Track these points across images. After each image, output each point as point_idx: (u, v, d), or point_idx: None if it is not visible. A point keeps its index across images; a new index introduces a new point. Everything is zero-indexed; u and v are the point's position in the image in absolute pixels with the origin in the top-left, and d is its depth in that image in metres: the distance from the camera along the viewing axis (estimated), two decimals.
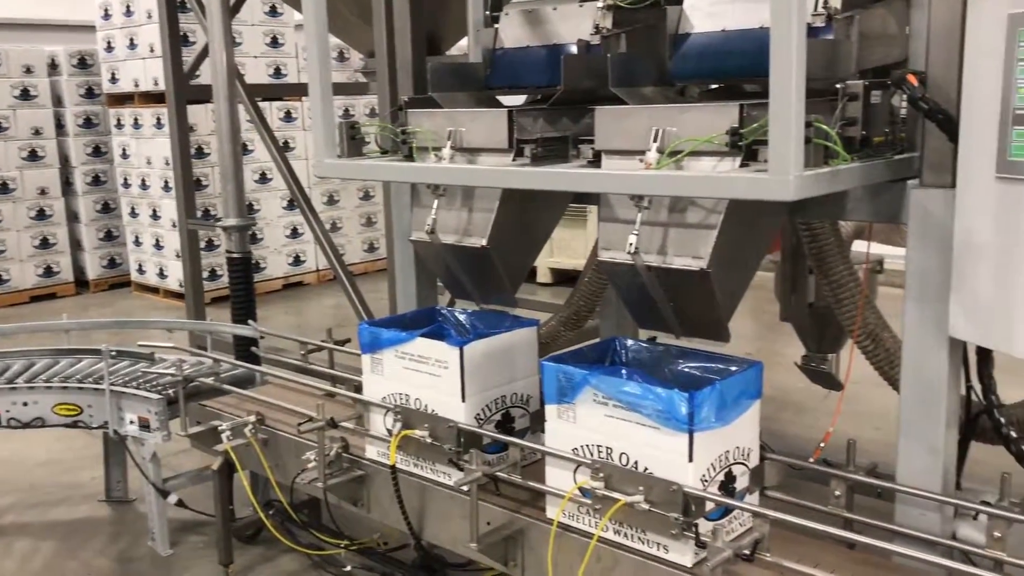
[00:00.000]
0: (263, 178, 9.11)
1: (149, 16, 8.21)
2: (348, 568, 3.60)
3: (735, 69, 2.57)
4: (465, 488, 2.59)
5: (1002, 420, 2.39)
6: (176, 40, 6.33)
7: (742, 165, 2.15)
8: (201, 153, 8.54)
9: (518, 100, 3.19)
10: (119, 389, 3.87)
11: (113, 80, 9.05)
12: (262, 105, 8.26)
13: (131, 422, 3.86)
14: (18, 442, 4.94)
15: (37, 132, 9.13)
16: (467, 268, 3.05)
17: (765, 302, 4.16)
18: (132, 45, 8.69)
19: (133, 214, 9.20)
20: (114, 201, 9.55)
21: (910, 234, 2.28)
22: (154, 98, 8.54)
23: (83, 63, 9.42)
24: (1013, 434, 2.39)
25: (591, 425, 2.44)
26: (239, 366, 4.10)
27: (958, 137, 2.14)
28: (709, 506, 2.28)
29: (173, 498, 3.88)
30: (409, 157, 2.89)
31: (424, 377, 2.85)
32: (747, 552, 2.20)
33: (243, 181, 5.37)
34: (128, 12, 8.68)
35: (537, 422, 2.86)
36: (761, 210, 2.42)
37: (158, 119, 8.47)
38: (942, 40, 2.20)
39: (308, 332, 5.31)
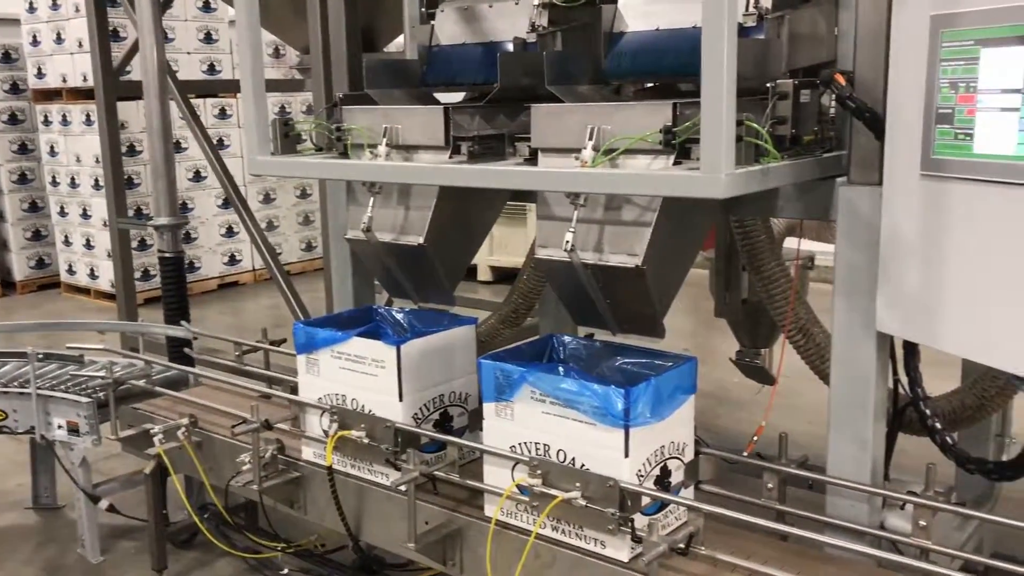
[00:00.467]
0: (197, 176, 8.94)
1: (77, 10, 8.00)
2: (285, 571, 3.55)
3: (669, 68, 2.59)
4: (403, 488, 2.57)
5: (928, 412, 2.45)
6: (105, 35, 6.18)
7: (676, 163, 2.17)
8: (133, 151, 8.35)
9: (455, 97, 3.18)
10: (46, 393, 3.77)
11: (40, 75, 8.79)
12: (196, 102, 8.11)
13: (59, 426, 3.76)
14: None
15: None
16: (404, 266, 3.03)
17: (702, 299, 4.21)
18: (59, 40, 8.46)
19: (62, 213, 8.95)
20: (42, 200, 9.27)
21: (838, 231, 2.32)
22: (83, 94, 8.33)
23: (7, 57, 9.13)
24: (938, 425, 2.45)
25: (529, 422, 2.44)
26: (171, 368, 4.02)
27: (884, 135, 2.19)
28: (645, 501, 2.30)
29: (104, 504, 3.79)
30: (344, 154, 2.86)
31: (361, 377, 2.82)
32: (682, 546, 2.22)
33: (175, 179, 5.27)
34: (55, 5, 8.44)
35: (476, 420, 2.85)
36: (694, 208, 2.45)
37: (87, 116, 8.25)
38: (869, 40, 2.25)
39: (244, 333, 5.21)
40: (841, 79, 2.22)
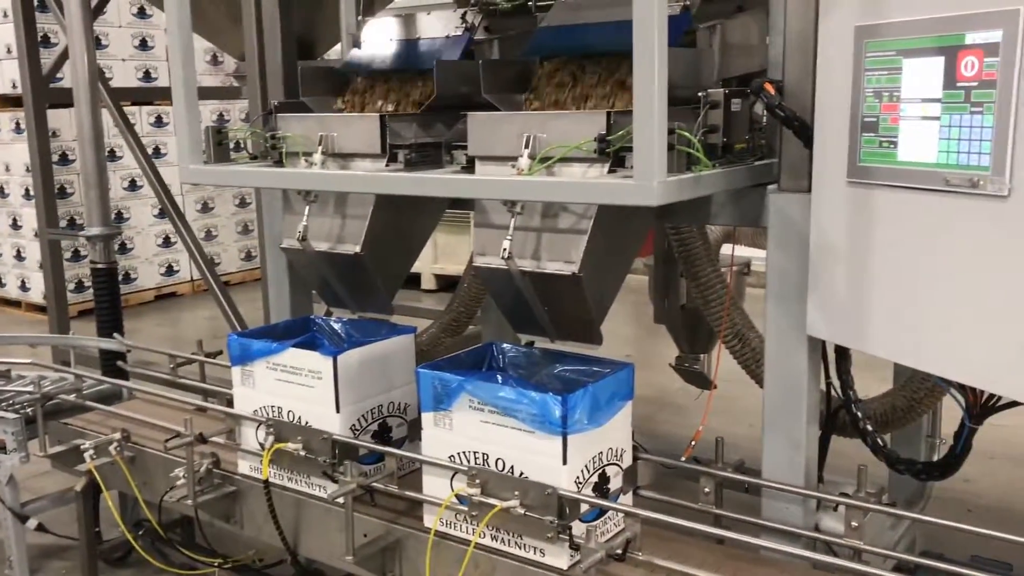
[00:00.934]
0: (133, 185, 8.76)
1: (4, 15, 7.77)
2: None
3: (590, 46, 2.59)
4: (340, 500, 2.54)
5: (859, 414, 2.49)
6: (34, 41, 6.05)
7: (610, 171, 2.19)
8: (65, 160, 8.15)
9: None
10: None
11: None
12: (132, 110, 7.97)
13: None
14: None
15: None
16: (341, 276, 3.00)
17: (643, 305, 4.25)
18: None
19: None
20: None
21: (770, 237, 2.36)
22: (12, 101, 8.11)
23: None
24: (870, 427, 2.50)
25: (468, 432, 2.43)
26: (104, 381, 3.92)
27: (813, 143, 2.23)
28: (584, 508, 2.30)
29: (33, 523, 3.67)
30: (279, 163, 2.83)
31: (297, 388, 2.78)
32: (619, 552, 2.23)
33: (107, 188, 5.16)
34: None
35: (415, 430, 2.82)
36: (630, 215, 2.47)
37: (17, 123, 8.04)
38: (797, 51, 2.29)
39: (182, 344, 5.13)
40: (771, 88, 2.26)
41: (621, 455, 2.48)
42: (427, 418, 2.52)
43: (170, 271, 9.17)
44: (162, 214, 8.74)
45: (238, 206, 9.78)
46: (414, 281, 8.87)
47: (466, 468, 2.38)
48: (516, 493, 2.27)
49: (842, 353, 2.45)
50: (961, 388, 2.20)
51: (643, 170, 1.96)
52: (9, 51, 7.87)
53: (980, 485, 4.33)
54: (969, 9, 1.82)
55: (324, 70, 3.20)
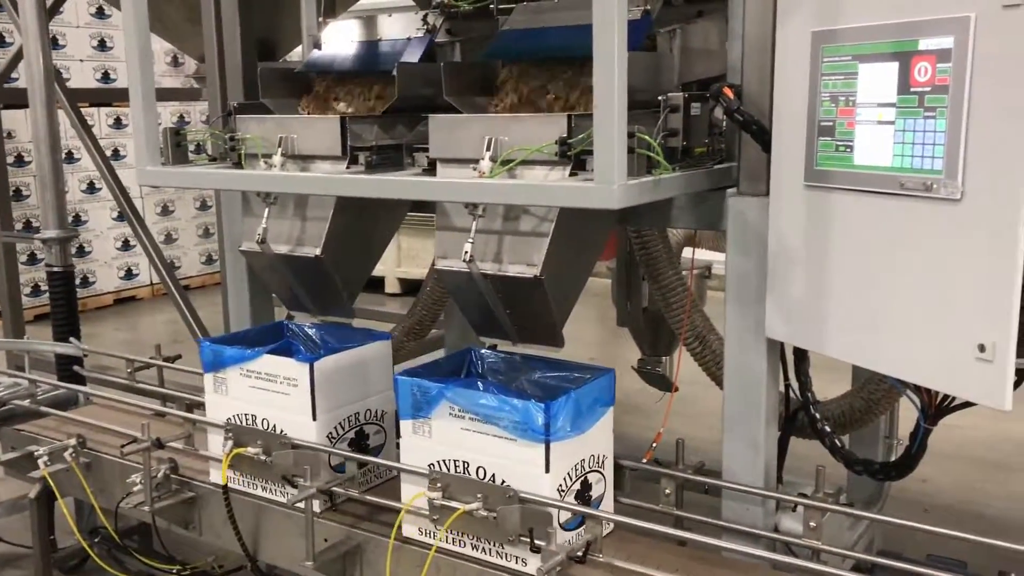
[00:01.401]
0: (92, 188, 8.63)
1: None
2: None
3: (549, 49, 2.59)
4: (300, 506, 2.51)
5: (818, 416, 2.52)
6: None
7: (571, 174, 2.19)
8: (22, 161, 8.00)
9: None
10: None
11: None
12: (90, 111, 7.85)
13: None
14: None
15: None
16: (301, 279, 2.97)
17: (607, 308, 4.26)
18: None
19: None
20: None
21: (729, 240, 2.38)
22: None
23: None
24: (828, 429, 2.52)
25: (448, 439, 2.40)
26: (59, 387, 3.85)
27: (771, 147, 2.25)
28: (565, 516, 2.29)
29: None
30: (239, 164, 2.79)
31: (272, 396, 2.72)
32: (580, 554, 2.23)
33: (64, 190, 5.06)
34: None
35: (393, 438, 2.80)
36: (590, 218, 2.47)
37: None
38: (755, 55, 2.30)
39: (141, 349, 5.05)
40: (729, 92, 2.28)
41: (603, 462, 2.46)
42: (406, 426, 2.48)
43: (129, 275, 9.04)
44: (121, 217, 8.63)
45: (199, 209, 9.67)
46: (378, 285, 8.82)
47: (438, 474, 2.36)
48: (479, 496, 2.26)
49: (801, 355, 2.47)
50: (917, 389, 2.23)
51: (603, 173, 1.97)
52: None
53: (936, 485, 4.40)
54: (922, 16, 1.84)
55: (284, 72, 3.17)
